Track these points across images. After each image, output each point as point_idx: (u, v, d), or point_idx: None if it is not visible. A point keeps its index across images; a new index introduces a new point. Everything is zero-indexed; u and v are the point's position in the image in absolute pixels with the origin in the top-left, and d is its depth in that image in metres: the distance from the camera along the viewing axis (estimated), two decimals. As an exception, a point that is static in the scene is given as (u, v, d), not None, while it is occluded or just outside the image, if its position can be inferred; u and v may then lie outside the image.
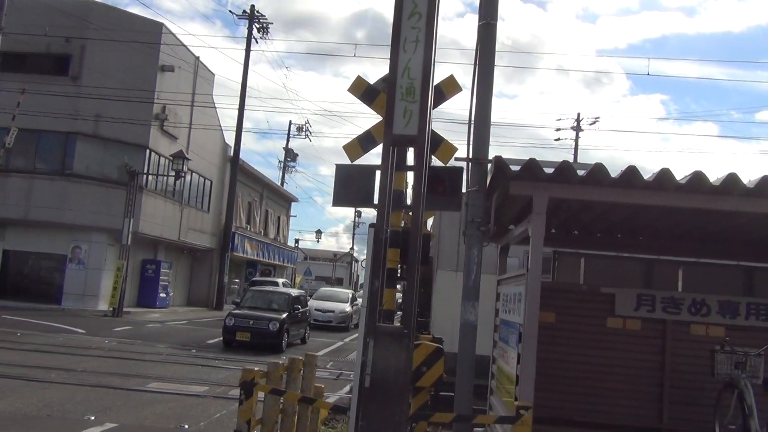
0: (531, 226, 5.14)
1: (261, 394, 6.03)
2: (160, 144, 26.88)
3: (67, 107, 23.83)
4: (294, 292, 20.47)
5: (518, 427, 4.69)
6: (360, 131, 7.34)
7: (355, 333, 24.60)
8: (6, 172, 22.76)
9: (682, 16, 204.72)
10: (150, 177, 26.34)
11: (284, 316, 17.48)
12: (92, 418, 8.16)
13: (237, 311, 17.99)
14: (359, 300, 30.69)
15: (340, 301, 27.82)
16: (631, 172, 4.97)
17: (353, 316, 27.21)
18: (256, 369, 5.92)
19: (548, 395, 6.69)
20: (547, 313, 6.52)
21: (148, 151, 26.01)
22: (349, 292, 30.54)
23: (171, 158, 24.88)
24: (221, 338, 17.68)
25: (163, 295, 28.46)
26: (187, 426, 8.27)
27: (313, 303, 25.83)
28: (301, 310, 19.51)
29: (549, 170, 5.15)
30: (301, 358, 7.06)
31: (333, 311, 26.18)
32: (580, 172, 5.15)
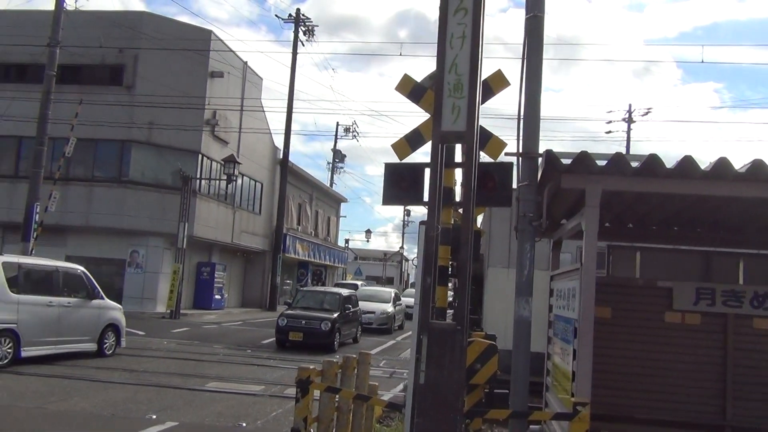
0: (584, 220, 5.06)
1: (317, 393, 6.11)
2: (211, 149, 27.43)
3: (122, 116, 24.53)
4: (345, 291, 20.26)
5: (575, 424, 4.63)
6: (406, 130, 7.35)
7: (399, 335, 24.27)
8: (66, 181, 23.54)
9: (733, 1, 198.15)
10: (203, 181, 26.91)
11: (335, 315, 17.48)
12: (154, 416, 8.39)
13: (289, 312, 18.03)
14: (404, 299, 29.51)
15: (381, 301, 26.14)
16: (688, 162, 4.85)
17: (396, 317, 26.14)
18: (311, 368, 6.00)
19: (605, 392, 6.58)
20: (602, 309, 6.42)
21: (200, 156, 26.58)
22: (392, 291, 28.58)
23: (222, 162, 25.36)
24: (275, 338, 17.90)
25: (218, 296, 29.03)
26: (245, 424, 8.42)
27: None
28: (352, 309, 19.37)
29: (601, 163, 5.07)
30: (355, 356, 7.12)
31: (374, 312, 24.54)
32: (634, 164, 5.06)
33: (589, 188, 5.01)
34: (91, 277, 13.53)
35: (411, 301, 29.39)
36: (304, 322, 17.08)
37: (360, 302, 25.45)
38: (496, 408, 6.54)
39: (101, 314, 13.41)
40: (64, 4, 19.50)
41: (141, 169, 25.77)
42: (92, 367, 12.03)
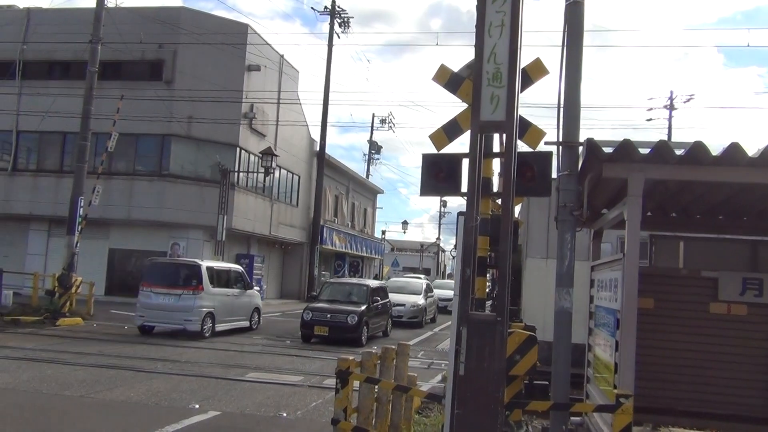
0: (627, 210, 4.98)
1: (356, 383, 6.14)
2: (249, 142, 27.70)
3: (162, 111, 24.91)
4: (373, 283, 19.29)
5: (618, 416, 4.57)
6: (442, 120, 7.32)
7: (432, 328, 23.30)
8: (109, 175, 24.03)
9: None
10: (241, 174, 27.20)
11: (363, 308, 16.70)
12: (197, 406, 8.54)
13: (314, 305, 17.22)
14: (436, 291, 27.82)
15: (412, 292, 24.67)
16: (735, 149, 4.73)
17: (428, 310, 24.75)
18: (351, 359, 6.03)
19: (648, 384, 6.47)
20: (645, 299, 6.30)
21: (238, 149, 26.88)
22: (423, 283, 26.83)
23: (260, 155, 25.58)
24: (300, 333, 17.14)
25: (257, 288, 29.30)
26: (285, 414, 8.52)
27: None
28: (381, 302, 18.35)
29: (644, 151, 4.97)
30: (393, 347, 7.14)
31: (404, 305, 23.10)
32: (678, 152, 4.95)
33: (631, 177, 4.92)
34: (245, 273, 18.98)
35: (444, 293, 27.95)
36: (329, 315, 16.32)
37: (389, 294, 24.17)
38: (536, 399, 6.50)
39: (251, 300, 18.61)
40: (105, 2, 19.84)
41: (181, 163, 26.17)
42: (136, 357, 12.31)
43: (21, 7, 28.71)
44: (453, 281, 21.43)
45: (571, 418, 6.61)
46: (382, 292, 19.07)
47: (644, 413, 6.54)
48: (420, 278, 29.84)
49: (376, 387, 6.37)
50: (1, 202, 26.46)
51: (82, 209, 18.88)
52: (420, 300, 23.98)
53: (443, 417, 7.99)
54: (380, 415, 6.56)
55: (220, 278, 17.02)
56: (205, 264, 16.70)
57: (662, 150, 4.83)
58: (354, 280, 21.68)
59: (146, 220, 25.57)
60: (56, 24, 25.88)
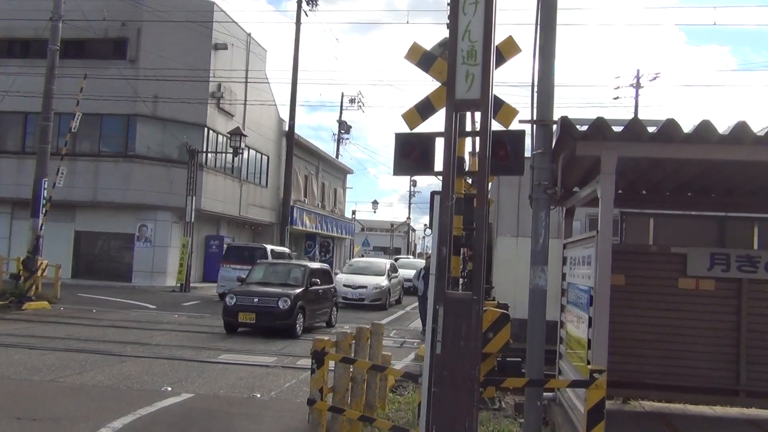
0: (600, 187, 5.01)
1: (332, 364, 6.14)
2: (217, 122, 27.31)
3: (127, 90, 24.41)
4: (313, 265, 17.00)
5: (592, 391, 4.63)
6: (411, 99, 7.29)
7: (396, 311, 21.89)
8: (73, 156, 23.51)
9: None
10: (209, 155, 26.85)
11: (298, 291, 14.32)
12: (169, 389, 8.47)
13: (240, 288, 14.83)
14: (402, 271, 26.06)
15: (375, 273, 22.99)
16: (705, 127, 4.78)
17: (391, 291, 23.03)
18: (326, 339, 6.02)
19: (620, 359, 6.59)
20: (616, 276, 6.38)
21: (206, 129, 26.49)
22: (387, 263, 25.16)
23: (228, 135, 25.27)
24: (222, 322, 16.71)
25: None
26: (259, 395, 8.50)
27: (341, 277, 22.43)
28: (323, 287, 15.86)
29: (616, 129, 5.00)
30: (368, 327, 7.14)
31: (365, 287, 21.66)
32: (650, 130, 4.99)
33: (604, 155, 4.95)
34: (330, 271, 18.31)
35: (409, 273, 25.02)
36: (257, 300, 13.92)
37: (351, 276, 22.76)
38: (509, 376, 6.56)
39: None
40: (66, -23, 19.24)
41: (147, 144, 25.72)
42: (106, 341, 12.14)
43: (-23, -17, 27.75)
44: (419, 260, 20.98)
45: (544, 393, 6.70)
46: (325, 275, 16.58)
47: (615, 387, 6.67)
48: (383, 260, 28.22)
49: (352, 367, 6.37)
50: (-39, 185, 25.76)
51: (46, 191, 18.44)
52: (383, 281, 22.49)
53: (417, 395, 8.05)
54: (356, 395, 6.57)
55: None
56: (269, 247, 22.63)
57: (635, 127, 4.86)
58: (290, 261, 18.75)
59: (112, 202, 25.14)
60: (15, 0, 25.09)
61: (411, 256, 54.16)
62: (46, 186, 18.39)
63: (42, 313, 16.10)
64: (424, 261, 16.87)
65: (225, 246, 24.95)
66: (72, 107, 19.03)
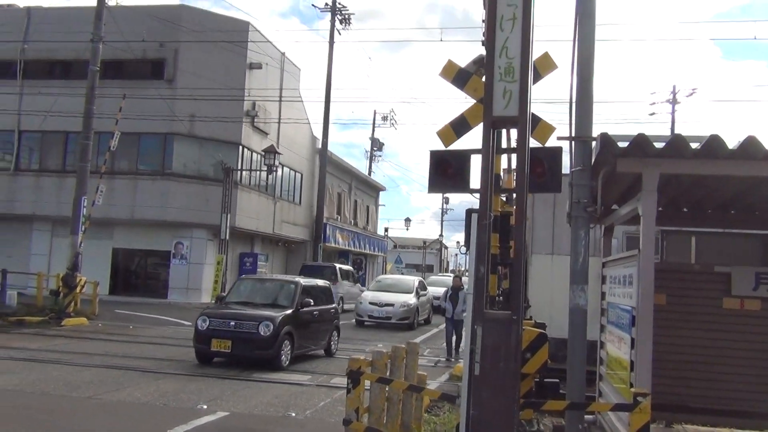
0: (642, 205, 4.90)
1: (367, 383, 6.08)
2: (252, 140, 27.63)
3: (164, 109, 24.83)
4: (306, 281, 13.84)
5: (636, 415, 4.51)
6: (443, 117, 7.27)
7: (426, 331, 20.96)
8: (112, 174, 23.98)
9: None
10: (244, 173, 27.13)
11: (285, 314, 11.85)
12: (205, 407, 8.48)
13: (215, 309, 12.64)
14: (431, 289, 25.35)
15: (402, 291, 21.91)
16: (751, 143, 4.65)
17: (420, 310, 21.98)
18: (362, 358, 5.97)
19: (662, 381, 6.39)
20: (658, 295, 6.22)
21: (241, 147, 26.80)
22: (415, 280, 23.98)
23: (263, 153, 25.51)
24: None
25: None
26: (294, 414, 8.46)
27: (367, 295, 21.91)
28: (320, 307, 13.30)
29: (658, 145, 4.90)
30: (403, 346, 7.07)
31: (392, 305, 20.58)
32: (693, 146, 4.87)
33: (646, 172, 4.84)
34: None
35: (439, 291, 23.60)
36: (233, 323, 11.52)
37: (377, 293, 21.70)
38: (547, 398, 6.43)
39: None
40: (106, 0, 19.75)
41: (183, 162, 26.11)
42: (143, 357, 12.24)
43: (21, 6, 28.62)
44: (449, 276, 19.52)
45: (585, 416, 6.54)
46: (322, 293, 14.00)
47: (658, 410, 6.47)
48: (412, 277, 26.91)
49: (387, 387, 6.30)
50: (4, 202, 26.39)
51: (85, 209, 18.81)
52: (411, 299, 21.44)
53: (453, 416, 7.94)
54: (391, 415, 6.50)
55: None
56: (338, 266, 25.94)
57: (677, 144, 4.76)
58: (278, 276, 16.13)
59: (150, 220, 25.51)
60: (57, 23, 25.80)
61: (450, 274, 53.92)
62: (85, 204, 18.76)
63: (80, 329, 16.35)
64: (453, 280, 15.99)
65: (301, 265, 28.07)
66: (111, 126, 19.44)
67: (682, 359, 6.71)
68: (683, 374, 6.74)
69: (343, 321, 20.36)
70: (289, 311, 12.12)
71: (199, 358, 11.89)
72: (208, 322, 11.62)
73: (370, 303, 20.97)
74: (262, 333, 11.34)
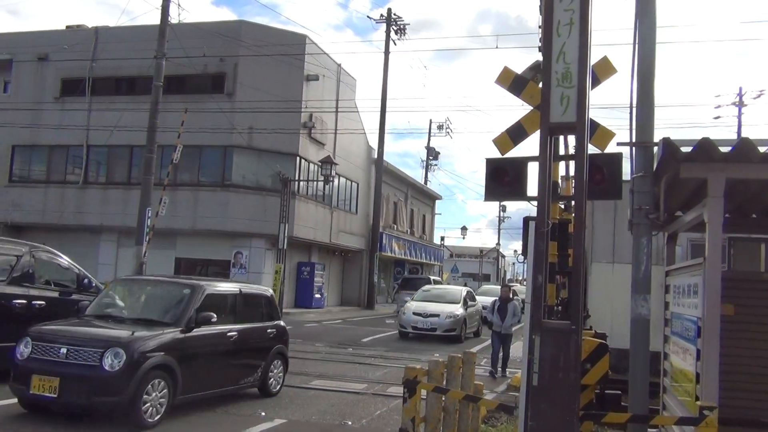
0: (707, 211, 4.74)
1: (423, 392, 6.05)
2: (309, 151, 27.99)
3: (224, 122, 25.43)
4: (217, 286, 9.18)
5: (702, 429, 4.37)
6: (498, 124, 7.21)
7: (476, 344, 19.41)
8: (174, 186, 24.64)
9: None
10: (301, 183, 27.50)
11: (159, 337, 7.68)
12: (263, 414, 8.59)
13: (48, 327, 7.96)
14: (480, 299, 24.07)
15: (449, 302, 20.68)
16: (824, 146, 4.44)
17: (468, 322, 20.56)
18: (417, 367, 5.95)
19: (730, 394, 6.14)
20: (725, 306, 5.99)
21: (298, 158, 27.18)
22: (463, 291, 22.43)
23: (320, 164, 25.81)
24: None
25: (318, 295, 29.61)
26: (350, 423, 8.48)
27: (411, 305, 20.59)
28: (239, 327, 9.07)
29: (723, 149, 4.73)
30: (460, 355, 7.01)
31: (437, 315, 19.45)
32: (761, 150, 4.69)
33: (711, 177, 4.68)
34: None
35: (489, 302, 21.02)
36: (65, 350, 7.28)
37: (423, 303, 20.40)
38: (608, 410, 6.26)
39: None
40: (169, 18, 20.40)
41: (242, 173, 26.63)
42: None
43: (89, 26, 29.82)
44: (500, 286, 17.52)
45: (648, 429, 6.35)
46: (250, 307, 9.66)
47: (726, 425, 6.21)
48: (459, 287, 24.95)
49: (444, 396, 6.25)
50: (74, 214, 27.47)
51: (149, 220, 19.40)
52: (458, 310, 20.07)
53: (511, 427, 7.81)
54: (447, 425, 6.44)
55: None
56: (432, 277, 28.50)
57: (745, 148, 4.59)
58: (170, 278, 10.40)
59: (210, 230, 26.10)
60: (122, 41, 26.74)
61: (515, 284, 53.29)
62: (149, 215, 19.34)
63: None
64: (506, 289, 14.61)
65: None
66: (174, 140, 20.01)
67: (751, 372, 6.44)
68: (752, 387, 6.46)
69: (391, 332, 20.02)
70: (170, 332, 7.80)
71: (20, 402, 7.63)
72: (30, 348, 7.41)
73: (414, 313, 19.80)
74: (106, 367, 7.04)
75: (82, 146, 27.77)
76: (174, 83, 25.16)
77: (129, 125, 24.80)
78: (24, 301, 9.33)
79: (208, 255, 26.98)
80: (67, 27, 30.50)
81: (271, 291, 11.08)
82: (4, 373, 7.87)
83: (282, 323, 10.47)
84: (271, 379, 9.88)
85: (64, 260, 10.65)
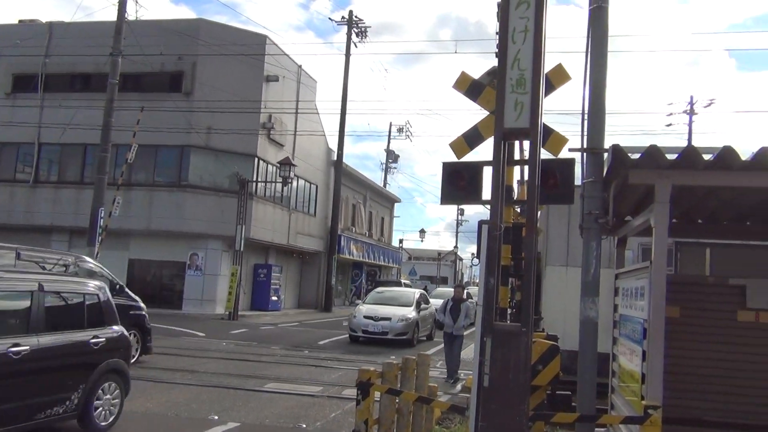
0: (654, 216, 4.88)
1: (377, 394, 6.07)
2: (267, 152, 27.81)
3: (181, 122, 25.10)
4: (52, 282, 7.01)
5: (647, 428, 4.48)
6: (457, 129, 7.30)
7: (428, 348, 18.18)
8: (129, 186, 24.22)
9: None
10: (259, 184, 27.30)
11: None
12: (216, 417, 8.50)
13: None
14: (434, 302, 22.83)
15: (401, 304, 19.86)
16: (765, 154, 4.62)
17: (420, 325, 19.74)
18: (371, 369, 5.97)
19: (675, 394, 6.33)
20: (671, 308, 6.17)
21: (256, 159, 26.99)
22: (416, 293, 21.79)
23: (278, 165, 25.67)
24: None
25: (274, 298, 29.40)
26: (305, 425, 8.46)
27: (362, 308, 19.71)
28: (74, 336, 7.08)
29: (670, 156, 4.88)
30: (414, 357, 7.06)
31: (389, 318, 18.56)
32: (706, 157, 4.85)
33: (658, 183, 4.82)
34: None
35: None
36: None
37: (374, 306, 19.63)
38: (558, 410, 6.38)
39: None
40: (126, 15, 20.06)
41: (199, 174, 26.33)
42: (156, 368, 12.31)
43: (43, 21, 29.12)
44: (453, 288, 17.06)
45: (596, 429, 6.49)
46: (58, 311, 7.11)
47: (670, 424, 6.38)
48: (413, 289, 25.13)
49: (397, 398, 6.29)
50: (24, 214, 26.75)
51: (102, 220, 19.02)
52: (411, 313, 19.21)
53: (464, 428, 7.89)
54: (401, 427, 6.48)
55: None
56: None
57: (690, 155, 4.74)
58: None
59: (165, 231, 25.71)
60: (78, 37, 26.20)
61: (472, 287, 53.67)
62: (102, 215, 18.96)
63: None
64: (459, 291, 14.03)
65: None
66: (129, 139, 19.68)
67: (695, 372, 6.64)
68: (697, 387, 6.66)
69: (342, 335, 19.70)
70: None
71: None
72: None
73: (365, 317, 18.84)
74: None
75: (34, 144, 27.08)
76: (130, 81, 24.76)
77: (83, 123, 24.27)
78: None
79: (163, 256, 26.56)
80: (20, 21, 29.75)
81: (101, 286, 7.92)
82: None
83: (119, 330, 7.79)
84: (99, 408, 7.27)
85: (102, 268, 12.22)
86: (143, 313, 13.31)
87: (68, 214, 25.86)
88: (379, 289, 23.74)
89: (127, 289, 12.86)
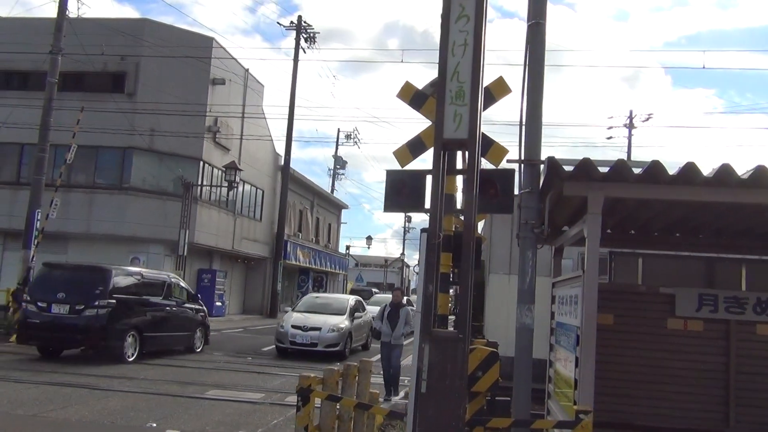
0: (587, 227, 5.04)
1: (318, 401, 6.08)
2: (213, 156, 27.44)
3: (124, 123, 24.56)
4: None
5: (579, 432, 4.61)
6: (405, 136, 7.39)
7: (359, 359, 15.79)
8: (67, 188, 23.51)
9: (715, 10, 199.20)
10: (204, 188, 26.91)
11: None
12: (154, 425, 8.35)
13: None
14: (370, 309, 20.85)
15: (333, 312, 18.12)
16: (690, 169, 4.83)
17: (354, 335, 18.24)
18: (312, 376, 5.98)
19: (607, 399, 6.54)
20: (604, 315, 6.39)
21: (201, 163, 26.59)
22: (350, 300, 19.74)
23: (224, 169, 25.37)
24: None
25: (218, 303, 28.97)
26: (245, 432, 8.38)
27: (291, 317, 17.87)
28: None
29: (604, 169, 5.06)
30: (356, 364, 7.09)
31: (319, 328, 16.90)
32: (636, 171, 5.05)
33: (591, 195, 4.99)
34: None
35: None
36: None
37: (304, 315, 17.85)
38: (498, 416, 6.50)
39: None
40: (67, 12, 19.53)
41: (142, 176, 25.79)
42: (92, 375, 12.01)
43: (-22, 16, 28.11)
44: (391, 294, 16.43)
45: (533, 434, 6.63)
46: None
47: (603, 428, 6.59)
48: (346, 296, 22.52)
49: (338, 404, 6.31)
50: (-46, 215, 25.68)
51: (39, 222, 18.42)
52: (343, 322, 17.58)
53: (406, 434, 7.96)
54: (342, 433, 6.49)
55: None
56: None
57: (621, 169, 4.92)
58: None
59: (106, 234, 25.05)
60: (16, 33, 25.36)
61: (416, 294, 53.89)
62: (39, 217, 18.37)
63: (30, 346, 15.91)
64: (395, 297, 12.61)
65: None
66: (68, 139, 19.12)
67: (627, 378, 6.88)
68: (629, 392, 6.90)
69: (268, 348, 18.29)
70: None
71: None
72: None
73: (293, 326, 17.08)
74: None
75: (-34, 142, 26.05)
76: (71, 80, 24.07)
77: (20, 122, 23.45)
78: (169, 308, 15.54)
79: (102, 260, 25.72)
80: (-46, 15, 28.61)
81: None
82: None
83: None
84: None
85: (183, 283, 17.31)
86: (206, 315, 17.43)
87: (2, 216, 24.93)
88: (313, 294, 22.20)
89: (199, 297, 18.01)
